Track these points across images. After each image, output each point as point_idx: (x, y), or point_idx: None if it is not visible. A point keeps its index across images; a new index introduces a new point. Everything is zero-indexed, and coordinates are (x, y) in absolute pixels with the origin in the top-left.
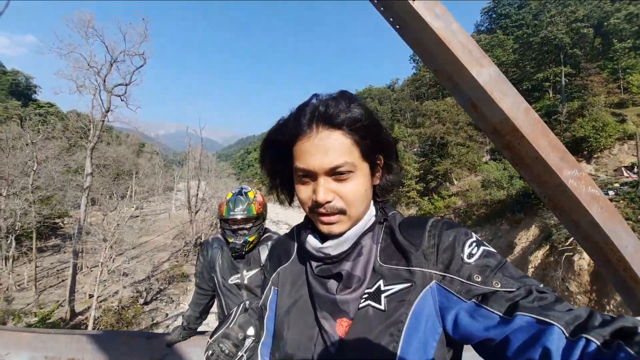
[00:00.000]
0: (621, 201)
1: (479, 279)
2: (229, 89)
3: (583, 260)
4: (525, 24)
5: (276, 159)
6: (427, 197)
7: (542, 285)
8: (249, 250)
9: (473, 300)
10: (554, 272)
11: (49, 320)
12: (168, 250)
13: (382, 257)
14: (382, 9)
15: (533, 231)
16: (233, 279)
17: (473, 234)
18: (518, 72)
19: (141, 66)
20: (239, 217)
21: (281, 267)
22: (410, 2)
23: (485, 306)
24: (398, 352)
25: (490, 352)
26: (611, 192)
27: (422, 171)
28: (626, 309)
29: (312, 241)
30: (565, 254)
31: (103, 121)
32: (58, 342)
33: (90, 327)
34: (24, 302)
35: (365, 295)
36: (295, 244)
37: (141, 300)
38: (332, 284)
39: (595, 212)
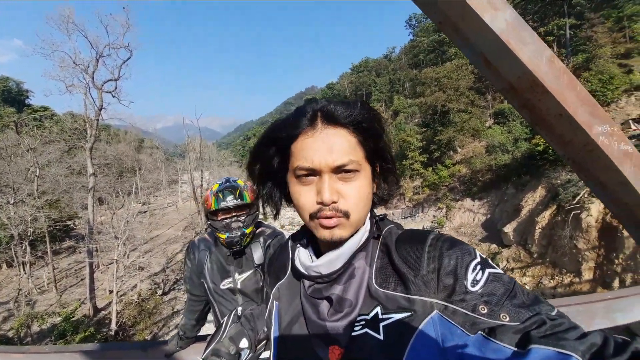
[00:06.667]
0: None
1: (485, 311)
2: (223, 75)
3: (591, 217)
4: None
5: (270, 161)
6: (431, 168)
7: (555, 311)
8: (247, 244)
9: (480, 333)
10: (561, 231)
11: (73, 319)
12: (180, 242)
13: (379, 280)
14: None
15: (539, 192)
16: (225, 284)
17: (477, 252)
18: None
19: (128, 59)
20: (231, 205)
21: (280, 283)
22: None
23: (494, 340)
24: None
25: None
26: None
27: (424, 142)
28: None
29: (303, 259)
30: (573, 212)
31: (98, 120)
32: None
33: (113, 321)
34: (47, 304)
35: (362, 322)
36: (290, 257)
37: (159, 292)
38: (324, 307)
39: (627, 171)
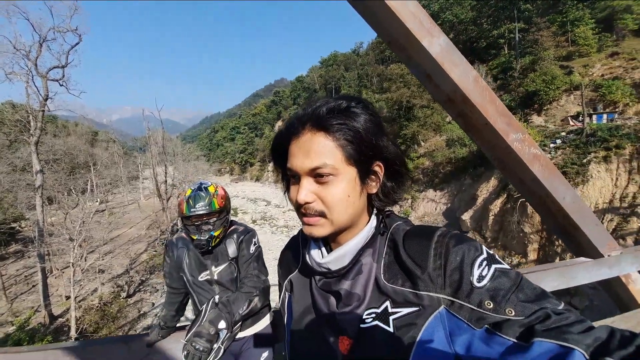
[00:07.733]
0: (567, 148)
1: (491, 306)
2: (186, 66)
3: None
4: None
5: (279, 162)
6: None
7: (562, 305)
8: (216, 245)
9: (485, 327)
10: (510, 217)
11: (28, 327)
12: (144, 241)
13: (387, 275)
14: None
15: (492, 182)
16: (203, 276)
17: (484, 248)
18: (476, 30)
19: (77, 44)
20: (201, 212)
21: (292, 275)
22: None
23: (498, 333)
24: None
25: None
26: (558, 141)
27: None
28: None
29: (314, 254)
30: (520, 200)
31: (43, 111)
32: None
33: (72, 328)
34: None
35: (373, 315)
36: (301, 251)
37: (124, 294)
38: (333, 300)
39: (536, 170)
